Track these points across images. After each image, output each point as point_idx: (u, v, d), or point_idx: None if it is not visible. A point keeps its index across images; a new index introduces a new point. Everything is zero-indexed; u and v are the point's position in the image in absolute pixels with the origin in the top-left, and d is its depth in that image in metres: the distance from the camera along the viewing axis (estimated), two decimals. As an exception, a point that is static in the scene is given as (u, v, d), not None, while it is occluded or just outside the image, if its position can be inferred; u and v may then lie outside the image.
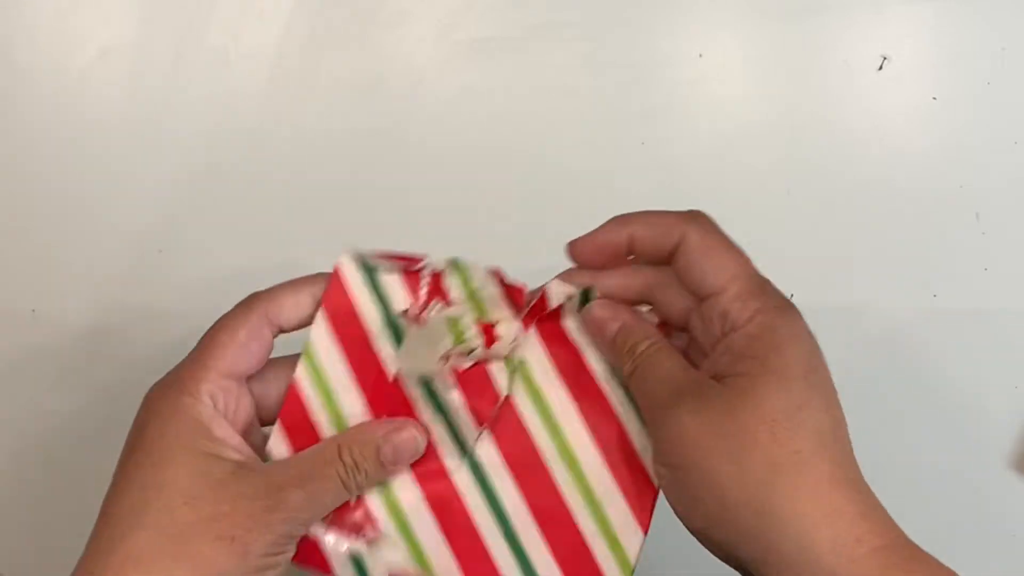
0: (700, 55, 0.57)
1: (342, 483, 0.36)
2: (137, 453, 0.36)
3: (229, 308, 0.58)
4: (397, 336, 0.39)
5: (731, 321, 0.36)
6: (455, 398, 0.38)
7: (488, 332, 0.38)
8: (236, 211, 0.57)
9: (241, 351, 0.37)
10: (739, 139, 0.57)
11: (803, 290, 0.57)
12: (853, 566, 0.32)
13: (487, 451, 0.39)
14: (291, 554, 0.36)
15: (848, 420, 0.56)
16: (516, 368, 0.39)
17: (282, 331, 0.39)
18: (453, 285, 0.39)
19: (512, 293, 0.39)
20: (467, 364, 0.39)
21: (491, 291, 0.39)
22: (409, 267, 0.39)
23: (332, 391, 0.39)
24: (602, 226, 0.39)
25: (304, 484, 0.35)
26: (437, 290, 0.39)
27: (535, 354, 0.39)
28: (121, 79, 0.57)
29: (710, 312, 0.36)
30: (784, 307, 0.37)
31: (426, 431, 0.38)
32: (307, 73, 0.57)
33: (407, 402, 0.39)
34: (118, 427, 0.56)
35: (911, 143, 0.57)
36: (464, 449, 0.39)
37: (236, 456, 0.36)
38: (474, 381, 0.39)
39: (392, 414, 0.39)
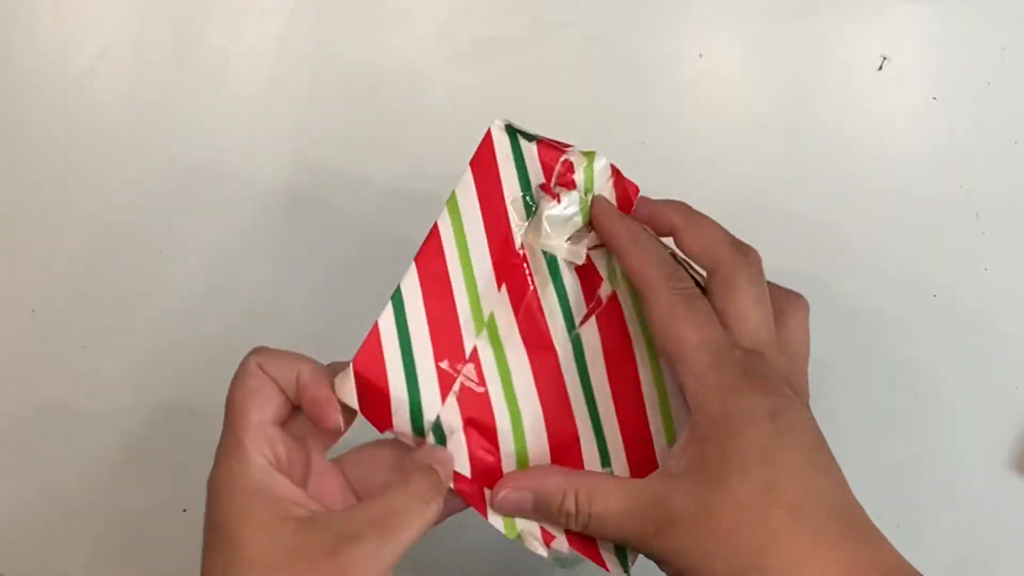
0: (700, 55, 0.57)
1: (425, 516, 0.36)
2: (212, 541, 0.36)
3: (228, 308, 0.58)
4: (528, 207, 0.42)
5: (690, 399, 0.37)
6: (572, 279, 0.42)
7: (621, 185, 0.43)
8: (236, 211, 0.57)
9: (257, 398, 0.38)
10: (739, 139, 0.57)
11: (803, 290, 0.57)
12: None
13: (590, 334, 0.42)
14: None
15: (847, 420, 0.56)
16: (616, 268, 0.42)
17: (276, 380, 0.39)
18: (579, 178, 0.42)
19: (625, 191, 0.43)
20: (583, 251, 0.42)
21: (606, 176, 0.43)
22: (551, 147, 0.43)
23: (468, 245, 0.42)
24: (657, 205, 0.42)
25: (393, 513, 0.35)
26: (568, 174, 0.42)
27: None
28: (121, 79, 0.57)
29: (677, 378, 0.38)
30: (740, 387, 0.36)
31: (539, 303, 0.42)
32: (307, 73, 0.57)
33: (526, 274, 0.42)
34: (118, 425, 0.56)
35: (911, 143, 0.57)
36: (572, 326, 0.42)
37: (300, 512, 0.35)
38: (587, 268, 0.42)
39: (512, 284, 0.42)
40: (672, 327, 0.37)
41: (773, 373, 0.37)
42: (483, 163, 0.43)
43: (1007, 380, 0.56)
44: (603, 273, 0.43)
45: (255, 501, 0.35)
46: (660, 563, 0.37)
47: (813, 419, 0.38)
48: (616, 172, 0.43)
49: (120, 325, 0.56)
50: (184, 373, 0.56)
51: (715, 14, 0.58)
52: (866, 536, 0.36)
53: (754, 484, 0.34)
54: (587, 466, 0.41)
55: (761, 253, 0.57)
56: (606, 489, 0.37)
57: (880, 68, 0.57)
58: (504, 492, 0.38)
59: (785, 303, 0.41)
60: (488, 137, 0.43)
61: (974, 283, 0.56)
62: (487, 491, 0.40)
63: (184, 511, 0.55)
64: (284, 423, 0.39)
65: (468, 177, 0.43)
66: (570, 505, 0.37)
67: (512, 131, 0.43)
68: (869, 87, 0.57)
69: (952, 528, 0.56)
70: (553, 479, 0.38)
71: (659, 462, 0.40)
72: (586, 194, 0.42)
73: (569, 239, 0.42)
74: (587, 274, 0.42)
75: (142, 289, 0.56)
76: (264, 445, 0.37)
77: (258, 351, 0.39)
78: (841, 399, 0.56)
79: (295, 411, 0.39)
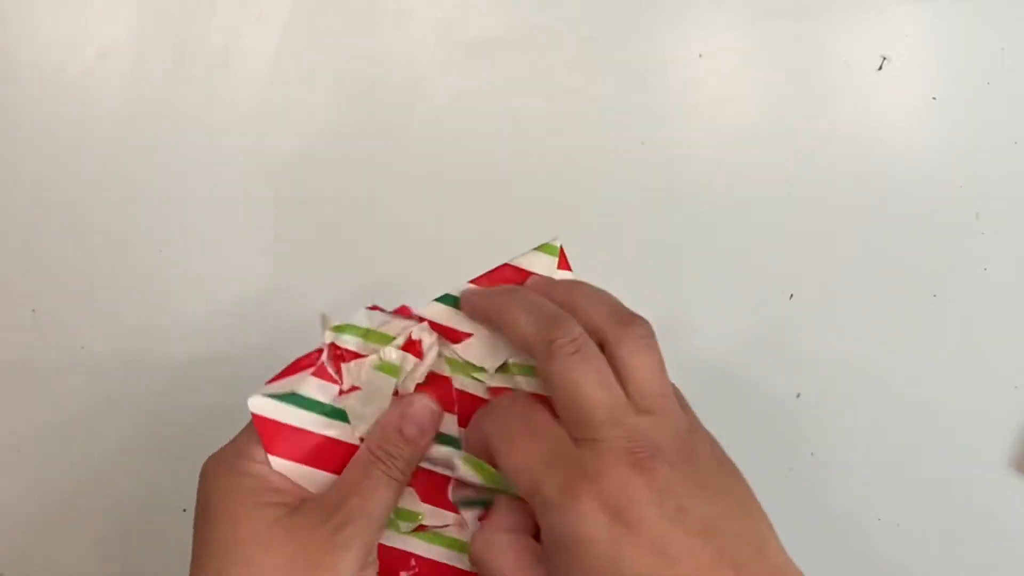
0: (700, 55, 0.57)
1: (388, 477, 0.37)
2: (209, 522, 0.36)
3: (228, 307, 0.58)
4: (343, 416, 0.39)
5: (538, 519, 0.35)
6: None
7: (414, 347, 0.39)
8: (236, 211, 0.57)
9: None
10: (739, 139, 0.57)
11: (802, 289, 0.57)
12: None
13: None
14: (376, 566, 0.37)
15: (846, 420, 0.56)
16: (448, 358, 0.40)
17: None
18: (349, 343, 0.39)
19: (400, 311, 0.40)
20: (419, 380, 0.40)
21: (381, 321, 0.40)
22: (310, 364, 0.40)
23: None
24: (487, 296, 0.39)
25: (356, 492, 0.37)
26: (342, 358, 0.39)
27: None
28: (121, 79, 0.57)
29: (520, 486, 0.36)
30: (556, 502, 0.34)
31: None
32: (307, 73, 0.57)
33: None
34: (118, 425, 0.56)
35: (911, 143, 0.57)
36: (456, 443, 0.40)
37: (294, 501, 0.37)
38: (434, 386, 0.40)
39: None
40: (497, 451, 0.37)
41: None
42: (275, 439, 0.38)
43: (1007, 380, 0.56)
44: (445, 374, 0.40)
45: (259, 489, 0.36)
46: None
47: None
48: (371, 307, 0.40)
49: (120, 325, 0.56)
50: (184, 373, 0.56)
51: (715, 14, 0.58)
52: None
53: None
54: None
55: (761, 253, 0.57)
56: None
57: (880, 68, 0.57)
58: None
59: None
60: (257, 420, 0.38)
61: (974, 283, 0.56)
62: None
63: (184, 511, 0.55)
64: None
65: (276, 461, 0.38)
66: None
67: (269, 393, 0.39)
68: (869, 87, 0.57)
69: (952, 528, 0.56)
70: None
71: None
72: (369, 339, 0.40)
73: (394, 394, 0.39)
74: (437, 390, 0.40)
75: (142, 289, 0.56)
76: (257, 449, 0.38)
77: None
78: (840, 399, 0.56)
79: None
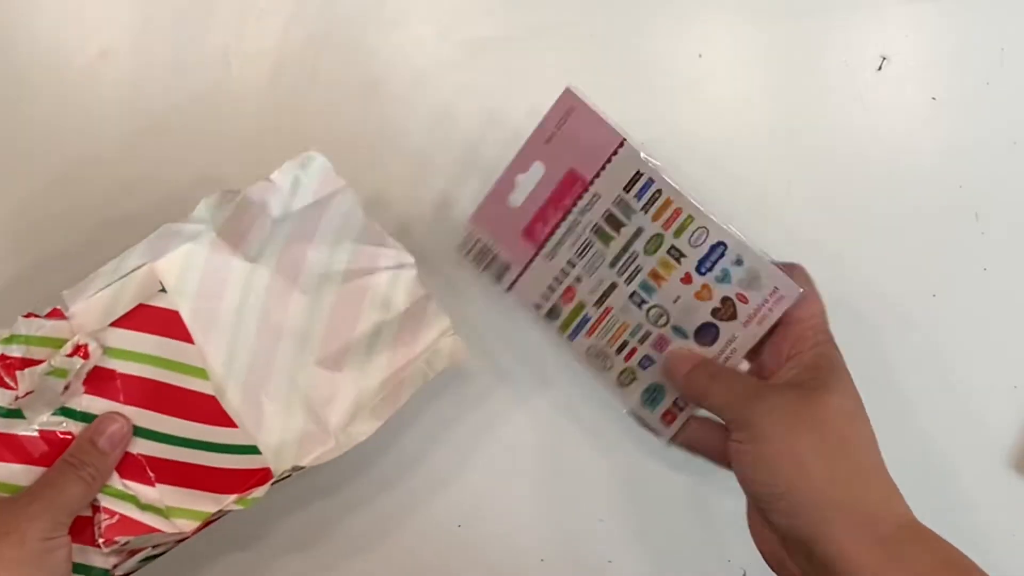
0: (700, 55, 0.57)
1: (79, 479, 0.45)
2: None
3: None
4: (21, 415, 0.47)
5: (804, 343, 0.46)
6: (86, 400, 0.47)
7: (80, 351, 0.46)
8: (236, 211, 0.57)
9: None
10: (739, 139, 0.57)
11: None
12: (897, 530, 0.42)
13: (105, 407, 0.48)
14: (67, 547, 0.45)
15: (848, 420, 0.56)
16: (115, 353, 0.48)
17: None
18: (16, 351, 0.46)
19: (52, 314, 0.47)
20: (83, 377, 0.47)
21: (38, 326, 0.47)
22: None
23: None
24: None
25: (48, 485, 0.45)
26: (14, 366, 0.46)
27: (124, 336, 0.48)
28: (121, 79, 0.57)
29: (786, 334, 0.47)
30: (835, 346, 0.47)
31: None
32: (307, 73, 0.57)
33: (62, 440, 0.47)
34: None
35: (911, 143, 0.57)
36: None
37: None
38: (97, 380, 0.48)
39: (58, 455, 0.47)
40: (804, 298, 0.48)
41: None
42: None
43: (1007, 380, 0.56)
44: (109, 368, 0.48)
45: None
46: (743, 434, 0.43)
47: None
48: (27, 314, 0.48)
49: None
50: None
51: (715, 14, 0.58)
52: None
53: (848, 398, 0.44)
54: None
55: (761, 252, 0.57)
56: (734, 373, 0.47)
57: (880, 68, 0.57)
58: (674, 353, 0.49)
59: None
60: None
61: (974, 283, 0.56)
62: None
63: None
64: None
65: None
66: (706, 383, 0.47)
67: None
68: (869, 87, 0.57)
69: (952, 528, 0.56)
70: (710, 367, 0.48)
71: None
72: (31, 344, 0.47)
73: (64, 390, 0.47)
74: (99, 384, 0.48)
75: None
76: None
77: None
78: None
79: None
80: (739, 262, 0.48)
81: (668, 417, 0.50)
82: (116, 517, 0.46)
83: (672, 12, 0.58)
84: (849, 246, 0.57)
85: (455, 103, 0.57)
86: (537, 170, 0.50)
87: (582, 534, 0.56)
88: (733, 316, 0.48)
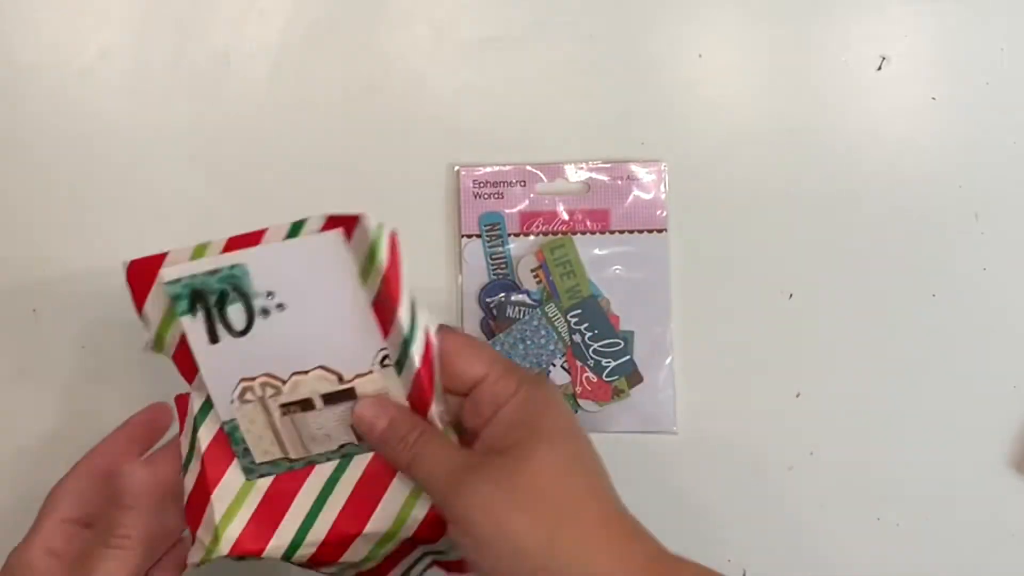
0: (700, 55, 0.57)
1: (111, 548, 0.42)
2: None
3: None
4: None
5: (499, 398, 0.41)
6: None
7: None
8: (236, 211, 0.57)
9: (66, 498, 0.45)
10: (739, 139, 0.57)
11: (802, 289, 0.57)
12: (642, 572, 0.38)
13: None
14: None
15: (847, 420, 0.56)
16: None
17: (107, 474, 0.45)
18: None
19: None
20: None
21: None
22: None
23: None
24: None
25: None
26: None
27: None
28: (121, 79, 0.57)
29: (479, 398, 0.42)
30: (538, 379, 0.42)
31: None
32: (307, 73, 0.57)
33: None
34: (117, 425, 0.56)
35: (910, 143, 0.57)
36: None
37: None
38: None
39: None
40: (465, 355, 0.42)
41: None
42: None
43: (1006, 380, 0.56)
44: None
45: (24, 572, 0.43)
46: (456, 526, 0.40)
47: None
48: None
49: (120, 325, 0.56)
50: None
51: (715, 14, 0.58)
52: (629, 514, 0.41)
53: (557, 450, 0.40)
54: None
55: (761, 253, 0.58)
56: (441, 442, 0.42)
57: (880, 68, 0.57)
58: (365, 405, 0.42)
59: None
60: None
61: (974, 283, 0.56)
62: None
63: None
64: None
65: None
66: (413, 436, 0.42)
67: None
68: (869, 87, 0.57)
69: (952, 528, 0.56)
70: (411, 417, 0.43)
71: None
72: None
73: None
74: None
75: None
76: (55, 538, 0.44)
77: (89, 455, 0.46)
78: (840, 398, 0.56)
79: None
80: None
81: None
82: None
83: (672, 12, 0.58)
84: (849, 246, 0.56)
85: (455, 103, 0.57)
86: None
87: (582, 534, 0.56)
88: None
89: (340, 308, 0.41)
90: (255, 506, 0.43)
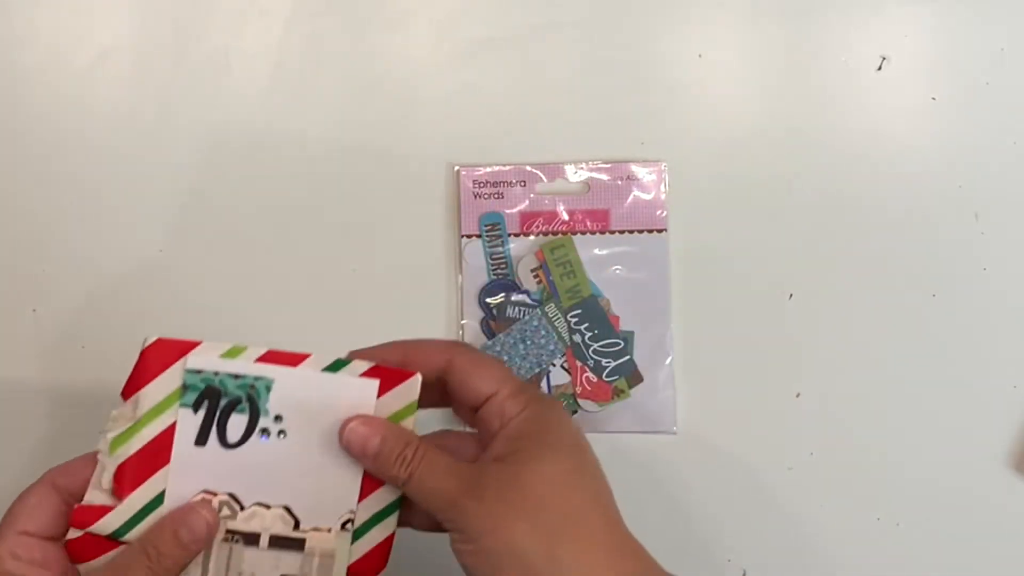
0: (700, 55, 0.57)
1: (150, 570, 0.41)
2: None
3: (229, 308, 0.58)
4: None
5: (508, 413, 0.41)
6: None
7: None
8: (236, 211, 0.57)
9: (29, 512, 0.43)
10: (739, 139, 0.57)
11: (802, 289, 0.57)
12: None
13: None
14: None
15: (846, 420, 0.56)
16: None
17: (71, 495, 0.43)
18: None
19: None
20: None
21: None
22: None
23: None
24: (380, 346, 0.43)
25: (118, 569, 0.41)
26: None
27: None
28: (121, 79, 0.57)
29: (487, 413, 0.42)
30: (547, 398, 0.44)
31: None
32: (307, 73, 0.57)
33: None
34: (118, 427, 0.56)
35: (910, 143, 0.57)
36: None
37: None
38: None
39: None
40: (478, 371, 0.42)
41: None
42: None
43: (1006, 380, 0.56)
44: None
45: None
46: (458, 535, 0.40)
47: None
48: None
49: (120, 325, 0.56)
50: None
51: (715, 14, 0.58)
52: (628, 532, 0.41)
53: (561, 461, 0.40)
54: None
55: (761, 253, 0.58)
56: (438, 455, 0.41)
57: (879, 68, 0.57)
58: (355, 424, 0.41)
59: None
60: None
61: (974, 283, 0.56)
62: None
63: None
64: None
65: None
66: (409, 452, 0.41)
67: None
68: (869, 87, 0.57)
69: (952, 528, 0.56)
70: (402, 431, 0.42)
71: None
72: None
73: None
74: None
75: (142, 289, 0.56)
76: (19, 550, 0.42)
77: (57, 469, 0.44)
78: (840, 398, 0.56)
79: None
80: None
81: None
82: None
83: (673, 12, 0.58)
84: (849, 246, 0.56)
85: (455, 103, 0.57)
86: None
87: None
88: None
89: (337, 456, 0.41)
90: None
